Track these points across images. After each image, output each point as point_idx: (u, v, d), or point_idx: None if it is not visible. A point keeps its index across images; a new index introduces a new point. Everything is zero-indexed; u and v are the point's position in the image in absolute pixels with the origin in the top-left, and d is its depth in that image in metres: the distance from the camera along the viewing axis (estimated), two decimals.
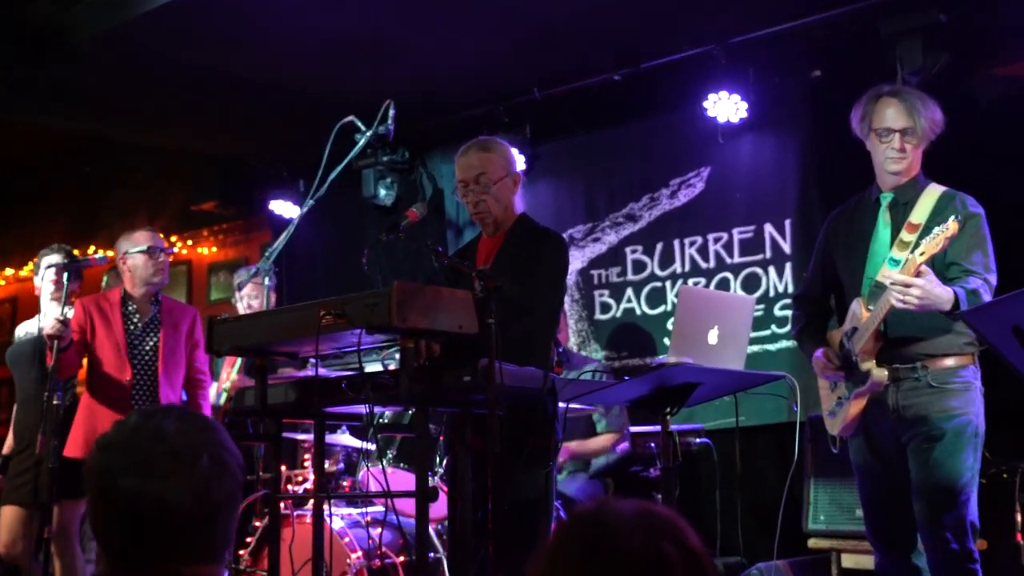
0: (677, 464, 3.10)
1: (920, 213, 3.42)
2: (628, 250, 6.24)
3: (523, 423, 3.16)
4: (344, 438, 4.85)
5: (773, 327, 5.72)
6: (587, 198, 6.40)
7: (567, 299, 6.29)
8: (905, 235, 3.39)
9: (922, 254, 3.06)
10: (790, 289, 5.66)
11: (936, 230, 3.05)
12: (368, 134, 3.66)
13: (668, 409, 3.19)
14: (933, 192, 3.46)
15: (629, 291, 6.20)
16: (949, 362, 3.34)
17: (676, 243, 6.09)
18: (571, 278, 6.36)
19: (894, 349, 3.36)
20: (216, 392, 5.34)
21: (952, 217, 3.02)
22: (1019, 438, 4.39)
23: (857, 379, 3.40)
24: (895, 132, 3.41)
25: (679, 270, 6.06)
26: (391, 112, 3.62)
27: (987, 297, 3.19)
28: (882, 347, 3.35)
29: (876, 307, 3.27)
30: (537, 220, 3.70)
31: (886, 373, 3.33)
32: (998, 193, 4.71)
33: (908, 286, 3.06)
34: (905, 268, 3.13)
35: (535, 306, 3.39)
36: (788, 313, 5.64)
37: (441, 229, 6.75)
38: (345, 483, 4.88)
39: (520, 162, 6.33)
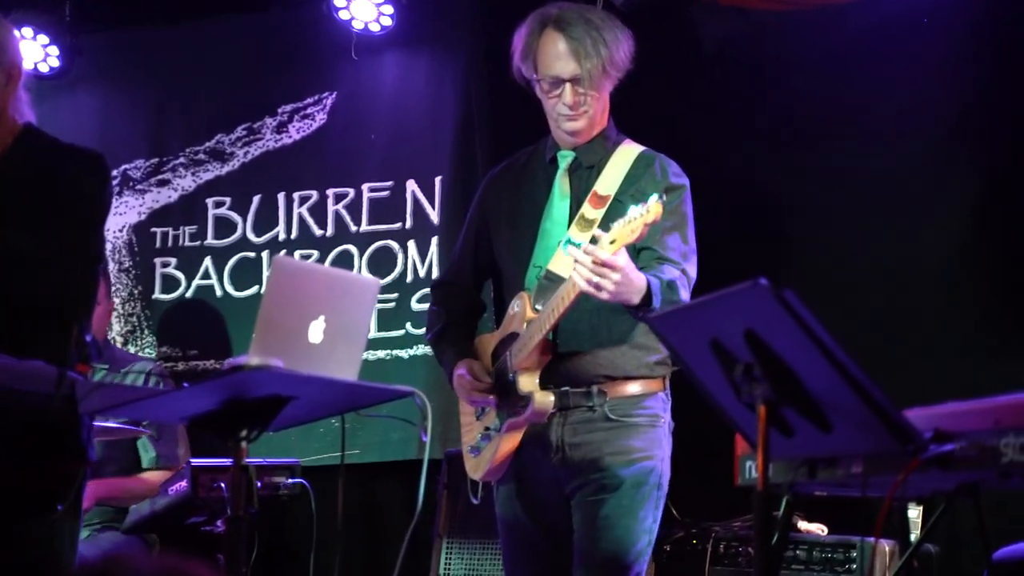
0: (252, 513, 3.04)
1: (609, 181, 3.56)
2: (210, 202, 6.12)
3: (21, 445, 3.02)
4: None
5: (409, 325, 5.81)
6: (153, 121, 6.23)
7: (112, 266, 6.07)
8: (589, 210, 3.52)
9: (612, 242, 3.15)
10: (436, 274, 5.78)
11: (632, 212, 3.14)
12: None
13: (245, 433, 3.13)
14: (627, 153, 3.62)
15: (208, 262, 6.08)
16: (633, 388, 3.51)
17: (281, 198, 6.05)
18: (120, 236, 6.15)
19: (564, 366, 3.49)
20: None
21: (655, 196, 3.13)
22: (712, 491, 4.74)
23: (513, 405, 3.49)
24: (564, 82, 3.53)
25: (283, 236, 6.02)
26: None
27: (684, 293, 3.39)
28: (550, 363, 3.47)
29: (547, 306, 3.37)
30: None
31: (552, 399, 3.44)
32: (713, 157, 5.12)
33: (612, 268, 3.14)
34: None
35: (50, 268, 3.20)
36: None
37: None
38: None
39: (45, 56, 6.02)
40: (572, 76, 3.49)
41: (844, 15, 5.35)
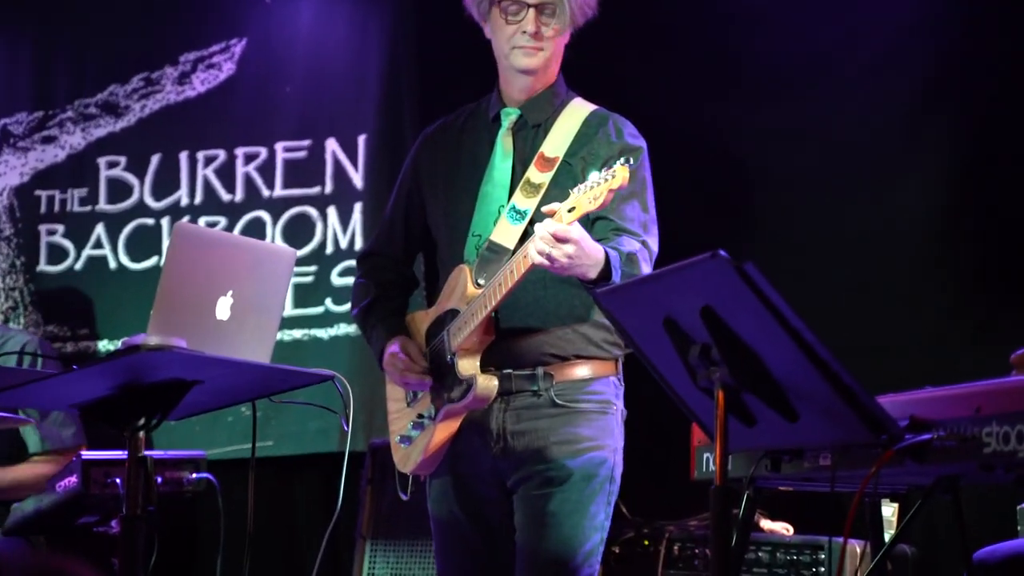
0: (150, 511, 3.04)
1: (557, 141, 3.55)
2: (103, 162, 6.07)
3: None
4: None
5: (329, 302, 5.81)
6: (37, 69, 6.15)
7: None
8: (535, 174, 3.51)
9: (571, 210, 3.15)
10: (360, 244, 5.78)
11: (595, 177, 3.14)
12: None
13: (143, 422, 3.12)
14: (577, 111, 3.62)
15: (100, 230, 6.04)
16: (582, 370, 3.51)
17: (184, 158, 6.01)
18: None
19: (506, 346, 3.48)
20: None
21: (620, 161, 3.13)
22: (665, 486, 4.77)
23: (450, 390, 3.49)
24: (528, 7, 3.53)
25: (185, 201, 5.99)
26: None
27: (646, 267, 3.39)
28: (493, 343, 3.47)
29: (491, 280, 3.37)
30: None
31: (495, 383, 3.45)
32: (665, 115, 5.12)
33: (566, 240, 3.14)
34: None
35: None
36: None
37: None
38: None
39: None
40: (539, 1, 3.52)
41: None
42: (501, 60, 3.63)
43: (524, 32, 3.53)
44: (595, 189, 3.12)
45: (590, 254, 3.21)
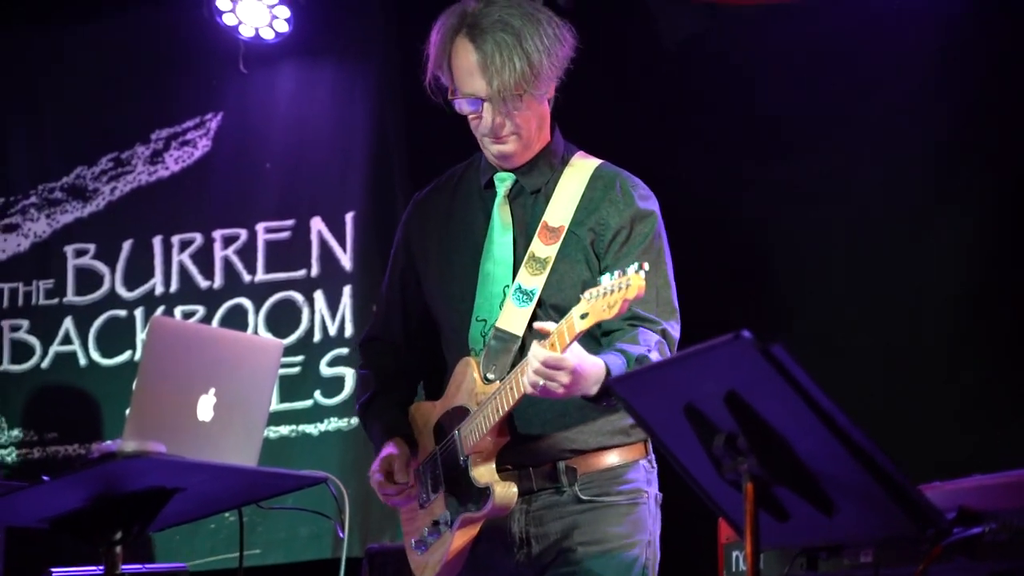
0: None
1: (561, 208, 3.51)
2: (70, 250, 6.10)
3: None
4: None
5: (318, 394, 5.80)
6: None
7: None
8: (539, 247, 3.48)
9: (584, 316, 3.09)
10: (350, 331, 5.78)
11: (608, 283, 3.07)
12: None
13: (119, 535, 3.10)
14: (580, 170, 3.57)
15: (68, 324, 6.04)
16: (609, 459, 3.47)
17: (157, 243, 6.04)
18: None
19: (524, 441, 3.45)
20: None
21: (633, 267, 3.05)
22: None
23: (466, 497, 3.47)
24: (481, 101, 3.47)
25: (160, 290, 6.01)
26: None
27: None
28: (508, 442, 3.43)
29: (504, 382, 3.32)
30: None
31: (515, 491, 3.40)
32: (673, 176, 5.10)
33: (558, 368, 3.10)
34: (555, 337, 3.14)
35: None
36: (345, 372, 5.76)
37: None
38: None
39: None
40: (486, 95, 3.46)
41: (828, 8, 5.38)
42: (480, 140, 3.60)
43: (486, 127, 3.47)
44: (609, 297, 3.04)
45: (588, 375, 3.17)
